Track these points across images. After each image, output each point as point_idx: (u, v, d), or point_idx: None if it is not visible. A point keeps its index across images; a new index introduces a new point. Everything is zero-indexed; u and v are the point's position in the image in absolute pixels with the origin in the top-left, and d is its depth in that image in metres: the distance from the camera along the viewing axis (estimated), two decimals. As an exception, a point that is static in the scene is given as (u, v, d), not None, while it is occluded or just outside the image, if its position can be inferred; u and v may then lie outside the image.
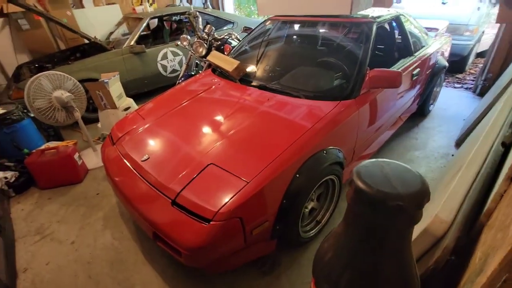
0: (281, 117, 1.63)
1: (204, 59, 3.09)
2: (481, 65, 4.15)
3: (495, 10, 4.39)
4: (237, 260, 1.38)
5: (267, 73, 2.16)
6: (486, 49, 4.60)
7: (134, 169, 1.54)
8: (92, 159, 2.68)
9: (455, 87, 3.88)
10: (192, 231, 1.17)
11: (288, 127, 1.54)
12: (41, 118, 2.39)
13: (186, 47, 3.22)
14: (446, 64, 2.87)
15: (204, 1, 5.60)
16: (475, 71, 4.37)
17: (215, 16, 4.51)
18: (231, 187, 1.25)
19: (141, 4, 4.32)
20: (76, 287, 1.57)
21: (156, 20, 4.60)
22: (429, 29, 3.10)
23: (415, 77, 2.31)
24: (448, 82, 4.04)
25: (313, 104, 1.67)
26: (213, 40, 3.13)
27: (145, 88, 4.00)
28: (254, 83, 2.02)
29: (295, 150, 1.38)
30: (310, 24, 2.33)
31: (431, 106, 3.13)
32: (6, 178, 2.26)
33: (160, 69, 3.99)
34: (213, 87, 2.11)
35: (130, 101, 3.03)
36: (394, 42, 2.52)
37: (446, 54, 3.08)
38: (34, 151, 2.38)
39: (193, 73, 3.23)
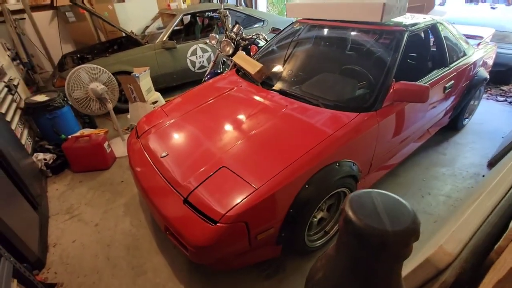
0: (296, 125, 1.63)
1: (230, 58, 3.15)
2: (531, 77, 3.77)
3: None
4: (242, 261, 1.42)
5: (289, 77, 2.15)
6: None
7: (153, 164, 1.64)
8: (120, 147, 2.87)
9: (497, 100, 3.57)
10: (199, 230, 1.23)
11: (301, 136, 1.54)
12: (78, 107, 2.61)
13: (214, 45, 3.30)
14: (487, 76, 2.65)
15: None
16: (524, 83, 3.98)
17: (246, 14, 4.55)
18: (240, 192, 1.29)
19: (175, 1, 4.47)
20: (96, 266, 1.72)
21: (189, 15, 4.74)
22: (473, 37, 2.87)
23: (447, 90, 2.17)
24: (490, 93, 3.73)
25: (331, 114, 1.64)
26: (240, 40, 3.17)
27: (174, 82, 4.16)
28: (275, 87, 2.03)
29: (307, 160, 1.38)
30: (337, 30, 2.27)
31: (466, 120, 2.92)
32: (45, 159, 2.51)
33: (189, 64, 4.12)
34: (235, 88, 2.15)
35: (157, 95, 3.19)
36: (428, 51, 2.38)
37: (489, 64, 2.84)
38: (70, 137, 2.60)
39: (219, 71, 3.31)
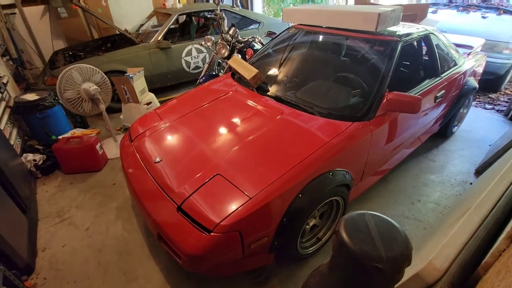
0: (291, 133, 1.64)
1: (225, 60, 3.15)
2: (518, 86, 3.89)
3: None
4: (234, 268, 1.43)
5: (284, 83, 2.16)
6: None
7: (147, 169, 1.63)
8: (112, 149, 2.84)
9: (485, 108, 3.67)
10: (193, 239, 1.23)
11: (296, 144, 1.55)
12: (70, 107, 2.56)
13: (210, 47, 3.28)
14: (476, 85, 2.72)
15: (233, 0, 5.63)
16: (511, 91, 4.10)
17: (242, 15, 4.54)
18: (234, 201, 1.29)
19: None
20: (87, 272, 1.70)
21: (185, 15, 4.70)
22: (463, 46, 2.94)
23: (438, 99, 2.22)
24: (478, 101, 3.83)
25: (326, 123, 1.66)
26: (236, 42, 3.17)
27: (168, 82, 4.12)
28: (270, 93, 2.04)
29: (301, 170, 1.39)
30: (332, 38, 2.30)
31: (455, 127, 2.99)
32: (35, 160, 2.46)
33: (184, 65, 4.09)
34: (230, 93, 2.15)
35: (151, 96, 3.16)
36: (420, 61, 2.43)
37: (479, 73, 2.92)
38: (61, 137, 2.55)
39: (214, 73, 3.30)
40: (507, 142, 2.31)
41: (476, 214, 1.02)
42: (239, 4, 6.26)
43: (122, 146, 1.98)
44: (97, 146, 2.53)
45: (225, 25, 3.26)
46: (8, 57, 3.82)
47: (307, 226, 1.60)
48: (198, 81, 3.24)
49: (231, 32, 3.14)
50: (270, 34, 3.22)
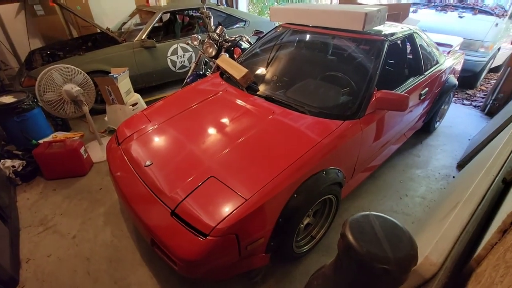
0: (283, 133, 1.64)
1: (213, 59, 3.11)
2: (494, 81, 4.09)
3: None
4: (230, 271, 1.41)
5: (274, 83, 2.16)
6: (500, 64, 4.53)
7: (137, 174, 1.58)
8: (97, 152, 2.74)
9: (464, 104, 3.83)
10: (189, 243, 1.21)
11: (289, 144, 1.55)
12: (50, 110, 2.44)
13: (197, 46, 3.23)
14: (456, 82, 2.84)
15: (218, -2, 5.56)
16: (486, 87, 4.31)
17: (227, 14, 4.49)
18: (230, 203, 1.28)
19: (154, -3, 4.31)
20: (75, 283, 1.63)
21: (169, 13, 4.59)
22: (443, 45, 3.06)
23: (422, 96, 2.29)
24: (457, 97, 4.00)
25: (317, 122, 1.67)
26: (223, 41, 3.13)
27: (154, 82, 4.03)
28: (260, 93, 2.03)
29: (296, 169, 1.40)
30: (320, 37, 2.32)
31: (437, 123, 3.12)
32: (14, 167, 2.33)
33: (170, 64, 4.01)
34: (220, 93, 2.12)
35: (137, 97, 3.07)
36: (405, 59, 2.50)
37: (458, 71, 3.04)
38: (42, 141, 2.43)
39: (201, 72, 3.25)
40: (485, 137, 2.42)
41: (466, 209, 1.06)
42: (224, 2, 6.19)
43: (108, 149, 1.91)
44: (82, 150, 2.43)
45: (212, 23, 3.22)
46: (-20, 57, 3.60)
47: (301, 225, 1.61)
48: (185, 81, 3.18)
49: (218, 31, 3.11)
50: (257, 33, 3.21)
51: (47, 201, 2.22)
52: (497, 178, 1.29)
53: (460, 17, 4.29)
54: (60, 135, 2.69)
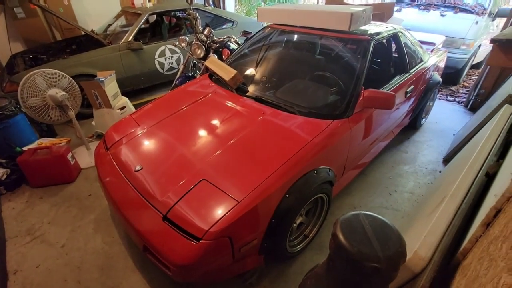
0: (274, 133, 1.65)
1: (201, 61, 3.09)
2: (475, 77, 4.22)
3: (495, 22, 4.46)
4: (224, 274, 1.41)
5: (263, 84, 2.17)
6: (481, 60, 4.69)
7: (127, 179, 1.55)
8: (85, 158, 2.68)
9: (448, 100, 3.95)
10: (182, 248, 1.20)
11: (280, 144, 1.56)
12: (34, 116, 2.37)
13: (185, 48, 3.20)
14: (440, 80, 2.92)
15: (205, -1, 5.52)
16: (469, 83, 4.45)
17: (214, 15, 4.47)
18: (222, 206, 1.27)
19: (140, -2, 4.24)
20: (66, 292, 1.60)
21: (155, 15, 4.54)
22: (427, 43, 3.14)
23: (408, 94, 2.35)
24: (441, 94, 4.11)
25: (307, 122, 1.69)
26: (211, 43, 3.12)
27: (141, 85, 3.97)
28: (250, 94, 2.03)
29: (287, 170, 1.41)
30: (308, 37, 2.34)
31: (423, 120, 3.20)
32: (-3, 175, 2.25)
33: (157, 66, 3.96)
34: (209, 95, 2.11)
35: (125, 100, 3.02)
36: (391, 58, 2.55)
37: (441, 68, 3.13)
38: (26, 148, 2.36)
39: (190, 74, 3.22)
40: (469, 132, 2.51)
41: (452, 203, 1.10)
42: (211, 3, 6.16)
43: (97, 155, 1.87)
44: (69, 156, 2.37)
45: (199, 24, 3.20)
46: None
47: (294, 225, 1.62)
48: (174, 83, 3.15)
49: (205, 32, 3.09)
50: (245, 33, 3.21)
51: (33, 209, 2.16)
52: (480, 172, 1.33)
53: (442, 15, 4.41)
54: (46, 141, 2.62)
